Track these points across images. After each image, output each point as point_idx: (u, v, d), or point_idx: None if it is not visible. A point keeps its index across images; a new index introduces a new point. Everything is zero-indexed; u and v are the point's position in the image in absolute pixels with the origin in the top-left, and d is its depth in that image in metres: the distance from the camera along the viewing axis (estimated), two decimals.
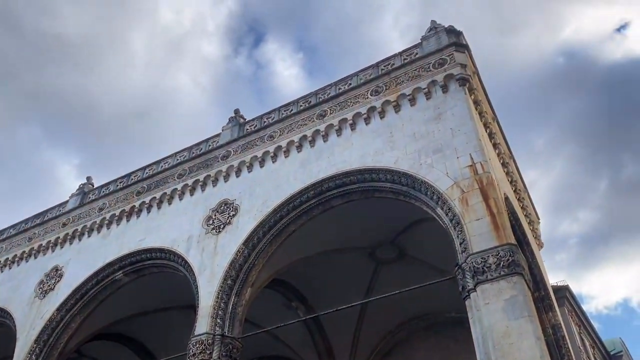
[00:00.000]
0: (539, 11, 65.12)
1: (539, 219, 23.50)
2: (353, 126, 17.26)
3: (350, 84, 18.58)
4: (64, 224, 22.68)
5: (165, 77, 69.97)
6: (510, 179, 19.21)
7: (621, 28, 67.54)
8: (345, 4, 69.33)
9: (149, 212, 20.36)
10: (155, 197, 20.42)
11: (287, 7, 71.41)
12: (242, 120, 21.10)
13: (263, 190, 17.65)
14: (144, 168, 22.31)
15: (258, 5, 73.93)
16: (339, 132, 17.46)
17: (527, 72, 64.72)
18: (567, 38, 65.64)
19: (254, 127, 20.00)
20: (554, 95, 65.16)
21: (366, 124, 17.08)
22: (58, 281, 20.56)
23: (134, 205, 20.80)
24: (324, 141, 17.58)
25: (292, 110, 19.39)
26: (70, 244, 21.84)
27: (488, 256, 12.05)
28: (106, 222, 21.19)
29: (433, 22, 18.65)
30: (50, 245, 22.40)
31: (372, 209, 16.88)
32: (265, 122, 19.85)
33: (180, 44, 69.59)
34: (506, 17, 64.16)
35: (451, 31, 17.81)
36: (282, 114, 19.55)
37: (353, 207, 16.62)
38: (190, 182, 19.84)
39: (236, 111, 21.65)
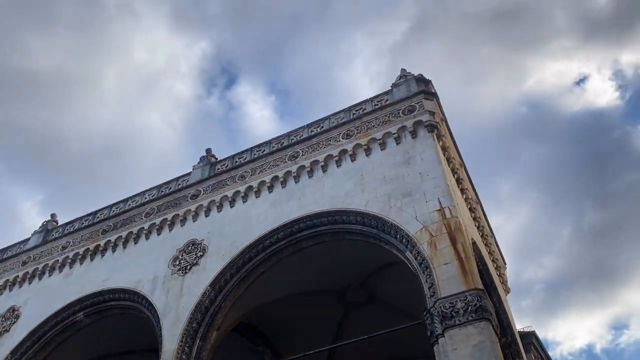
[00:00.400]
0: (503, 62, 67.84)
1: (505, 264, 23.78)
2: (324, 168, 17.41)
3: (322, 126, 18.85)
4: (24, 262, 21.87)
5: (135, 115, 69.52)
6: (477, 224, 19.50)
7: (580, 82, 70.78)
8: (317, 49, 71.03)
9: (114, 251, 19.87)
10: (121, 236, 19.98)
11: (261, 51, 72.65)
12: (213, 159, 21.07)
13: (232, 230, 17.47)
14: (110, 206, 21.91)
15: (232, 48, 74.97)
16: (310, 173, 17.57)
17: (492, 120, 66.92)
18: (529, 89, 68.36)
19: (225, 167, 19.97)
20: (518, 143, 67.25)
21: (337, 166, 17.26)
22: (14, 322, 19.65)
23: (99, 244, 20.28)
24: (296, 182, 17.64)
25: (264, 150, 19.49)
26: (30, 283, 21.03)
27: (456, 301, 12.09)
28: (69, 261, 20.55)
29: (403, 70, 19.25)
30: (8, 284, 21.50)
31: (342, 252, 16.84)
32: (237, 161, 19.86)
33: (152, 83, 69.63)
34: (472, 67, 66.61)
35: (420, 79, 18.39)
36: (255, 154, 19.63)
37: (323, 249, 16.57)
38: (157, 221, 19.53)
39: (208, 150, 21.63)
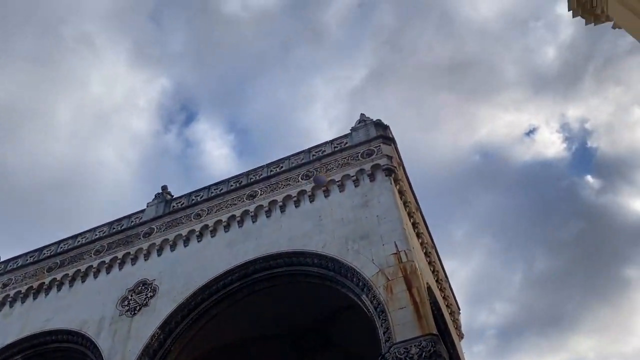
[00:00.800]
0: (456, 111, 70.20)
1: (459, 309, 23.93)
2: (283, 208, 17.33)
3: (282, 166, 18.87)
4: None
5: (89, 149, 67.47)
6: (432, 269, 19.66)
7: (530, 133, 73.89)
8: (278, 91, 71.70)
9: (59, 290, 18.96)
10: (67, 274, 19.11)
11: (221, 90, 72.64)
12: (168, 197, 20.63)
13: (185, 270, 17.01)
14: (58, 242, 21.01)
15: (192, 86, 74.68)
16: (268, 213, 17.43)
17: (446, 166, 68.57)
18: (482, 138, 70.80)
19: (181, 205, 19.59)
20: (471, 189, 68.97)
21: (296, 206, 17.21)
22: None
23: (44, 282, 19.32)
24: (253, 222, 17.44)
25: (222, 189, 19.26)
26: None
27: (411, 346, 12.04)
28: (9, 299, 19.44)
29: (362, 115, 19.62)
30: None
31: (298, 294, 16.61)
32: (193, 199, 19.52)
33: (108, 117, 68.12)
34: (427, 115, 68.60)
35: (379, 124, 18.79)
36: (212, 192, 19.36)
37: (279, 292, 16.30)
38: (107, 259, 18.82)
39: (163, 187, 21.18)
